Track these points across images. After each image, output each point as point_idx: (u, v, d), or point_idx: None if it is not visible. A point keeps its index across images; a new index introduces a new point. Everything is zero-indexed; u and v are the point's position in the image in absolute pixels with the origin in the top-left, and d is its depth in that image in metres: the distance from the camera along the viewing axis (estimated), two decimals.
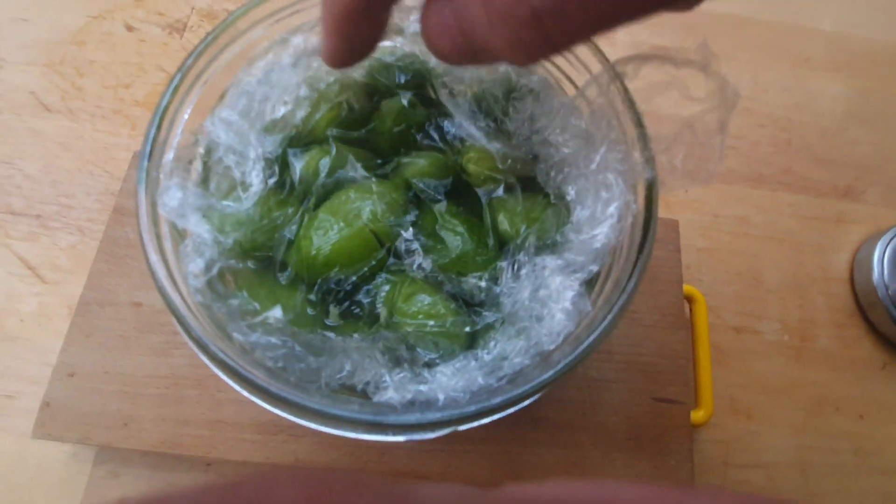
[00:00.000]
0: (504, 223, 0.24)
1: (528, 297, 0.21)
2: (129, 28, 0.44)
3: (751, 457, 0.36)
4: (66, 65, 0.42)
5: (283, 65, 0.24)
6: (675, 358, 0.33)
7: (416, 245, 0.23)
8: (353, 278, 0.23)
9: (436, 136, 0.25)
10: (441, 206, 0.24)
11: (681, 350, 0.34)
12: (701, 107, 0.20)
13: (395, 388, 0.20)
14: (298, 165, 0.23)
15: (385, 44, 0.24)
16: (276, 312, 0.19)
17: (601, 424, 0.32)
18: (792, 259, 0.41)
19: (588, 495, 0.10)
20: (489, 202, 0.25)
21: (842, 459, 0.36)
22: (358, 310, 0.23)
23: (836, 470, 0.36)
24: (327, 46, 0.16)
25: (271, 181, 0.22)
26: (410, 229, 0.23)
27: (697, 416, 0.34)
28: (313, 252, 0.22)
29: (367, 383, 0.21)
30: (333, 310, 0.22)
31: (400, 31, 0.24)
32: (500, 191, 0.24)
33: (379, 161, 0.24)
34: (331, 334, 0.22)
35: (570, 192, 0.23)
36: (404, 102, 0.24)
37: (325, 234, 0.22)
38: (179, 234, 0.21)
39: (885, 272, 0.39)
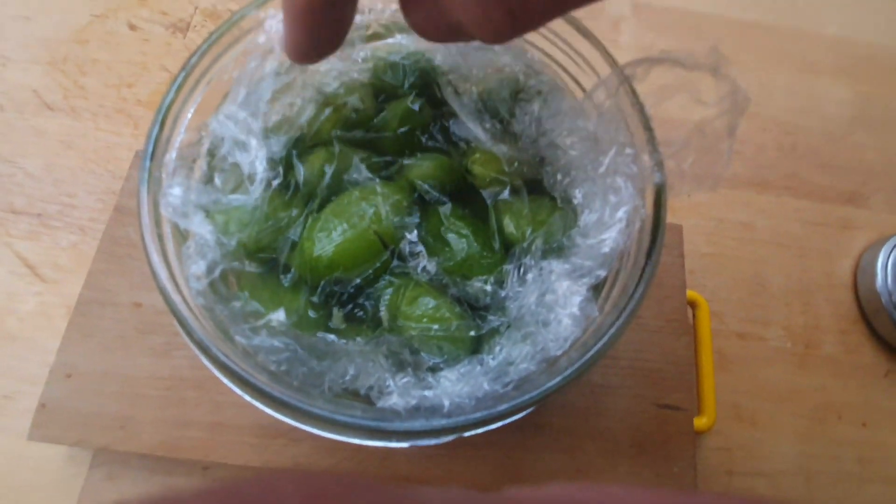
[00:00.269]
0: (510, 226, 0.24)
1: (535, 302, 0.21)
2: (133, 27, 0.44)
3: (754, 464, 0.36)
4: (68, 63, 0.42)
5: (287, 65, 0.24)
6: (678, 364, 0.33)
7: (420, 247, 0.23)
8: (357, 281, 0.22)
9: (441, 137, 0.25)
10: (446, 209, 0.24)
11: (685, 356, 0.33)
12: (711, 111, 0.20)
13: (399, 393, 0.19)
14: (303, 167, 0.23)
15: (390, 41, 0.24)
16: (280, 315, 0.19)
17: (605, 430, 0.31)
18: (796, 265, 0.41)
19: (588, 498, 0.10)
20: (495, 205, 0.24)
21: (845, 468, 0.36)
22: (361, 313, 0.23)
23: (839, 478, 0.36)
24: (290, 40, 0.16)
25: (276, 182, 0.22)
26: (415, 231, 0.23)
27: (700, 422, 0.33)
28: (317, 254, 0.22)
29: (371, 388, 0.21)
30: (337, 312, 0.22)
31: (404, 29, 0.24)
32: (506, 193, 0.24)
33: (384, 163, 0.24)
34: (333, 337, 0.21)
35: (578, 196, 0.22)
36: (409, 104, 0.24)
37: (329, 236, 0.22)
38: (182, 236, 0.21)
39: (889, 279, 0.39)
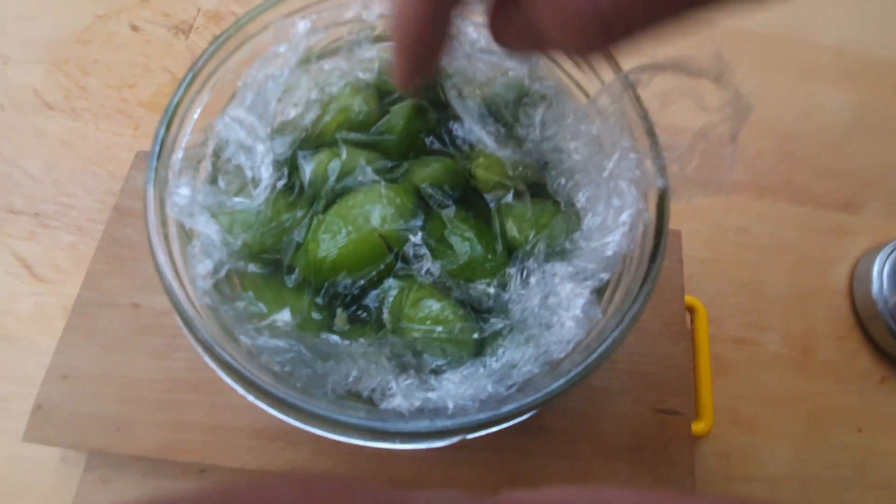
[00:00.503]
0: (513, 230, 0.24)
1: (538, 305, 0.21)
2: (135, 28, 0.44)
3: (752, 470, 0.36)
4: (70, 64, 0.42)
5: (292, 66, 0.24)
6: (677, 368, 0.33)
7: (424, 250, 0.23)
8: (361, 282, 0.22)
9: (445, 140, 0.25)
10: (450, 212, 0.24)
11: (683, 361, 0.33)
12: (714, 116, 0.20)
13: (402, 395, 0.19)
14: (308, 168, 0.23)
15: None
16: (285, 315, 0.19)
17: (603, 434, 0.31)
18: (793, 271, 0.42)
19: (585, 501, 0.10)
20: (498, 208, 0.24)
21: (842, 473, 0.36)
22: (365, 315, 0.23)
23: (836, 484, 0.36)
24: (399, 68, 0.18)
25: (280, 183, 0.22)
26: (419, 234, 0.23)
27: (698, 427, 0.33)
28: (321, 255, 0.22)
29: (374, 390, 0.21)
30: (341, 314, 0.22)
31: None
32: (510, 197, 0.24)
33: (389, 165, 0.24)
34: (337, 338, 0.21)
35: (581, 200, 0.23)
36: (415, 106, 0.24)
37: (334, 238, 0.22)
38: (187, 236, 0.21)
39: (885, 286, 0.39)
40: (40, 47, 0.42)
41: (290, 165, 0.23)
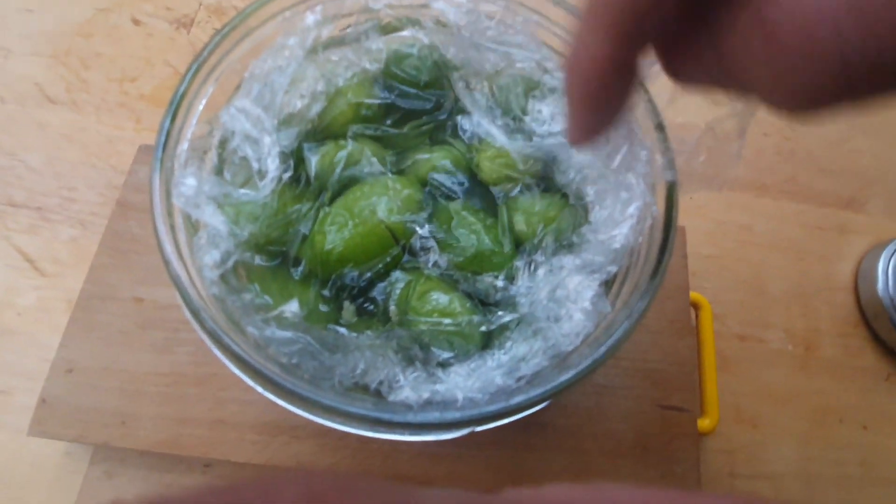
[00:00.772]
0: (520, 223, 0.24)
1: (546, 297, 0.21)
2: (136, 22, 0.43)
3: (757, 467, 0.36)
4: (71, 57, 0.41)
5: (299, 58, 0.24)
6: (681, 365, 0.33)
7: (431, 242, 0.22)
8: (368, 275, 0.22)
9: (452, 132, 0.25)
10: (457, 204, 0.24)
11: (688, 357, 0.33)
12: (722, 111, 0.20)
13: (411, 387, 0.19)
14: (314, 160, 0.23)
15: (404, 34, 0.24)
16: (293, 306, 0.19)
17: (608, 431, 0.31)
18: (796, 268, 0.41)
19: (589, 499, 0.10)
20: (505, 201, 0.24)
21: (847, 471, 0.36)
22: (372, 307, 0.23)
23: (841, 481, 0.36)
24: (576, 125, 0.15)
25: (286, 175, 0.22)
26: (426, 226, 0.23)
27: (703, 424, 0.33)
28: (328, 248, 0.22)
29: (381, 382, 0.20)
30: (348, 306, 0.22)
31: (417, 23, 0.24)
32: (517, 190, 0.24)
33: (395, 157, 0.24)
34: (344, 330, 0.21)
35: (589, 193, 0.22)
36: (422, 99, 0.24)
37: (340, 230, 0.22)
38: (192, 227, 0.21)
39: (890, 283, 0.39)
40: (42, 40, 0.42)
41: (296, 157, 0.23)
